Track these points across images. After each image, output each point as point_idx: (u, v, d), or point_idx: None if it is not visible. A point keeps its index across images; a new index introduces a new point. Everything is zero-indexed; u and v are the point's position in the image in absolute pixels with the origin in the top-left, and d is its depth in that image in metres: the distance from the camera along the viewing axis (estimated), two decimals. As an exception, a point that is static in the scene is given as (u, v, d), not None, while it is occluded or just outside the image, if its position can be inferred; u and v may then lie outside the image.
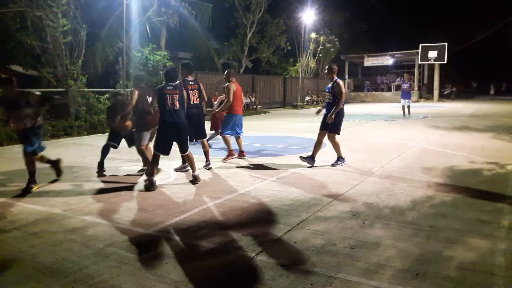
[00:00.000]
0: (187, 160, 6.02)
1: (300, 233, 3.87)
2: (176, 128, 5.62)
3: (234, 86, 7.41)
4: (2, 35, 13.64)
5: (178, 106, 5.61)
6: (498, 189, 5.34)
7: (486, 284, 2.86)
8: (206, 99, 7.11)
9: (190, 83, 6.52)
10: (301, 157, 7.12)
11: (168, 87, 5.62)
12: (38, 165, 5.90)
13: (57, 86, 13.19)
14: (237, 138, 7.77)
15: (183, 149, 5.80)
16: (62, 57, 13.20)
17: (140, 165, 6.93)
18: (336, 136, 6.98)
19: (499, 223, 4.07)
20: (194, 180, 5.87)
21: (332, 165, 6.99)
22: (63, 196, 5.29)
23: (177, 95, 5.62)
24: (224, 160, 7.59)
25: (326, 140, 7.07)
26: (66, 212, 4.60)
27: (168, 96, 5.56)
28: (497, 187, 5.47)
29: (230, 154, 7.68)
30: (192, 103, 6.47)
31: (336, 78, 6.90)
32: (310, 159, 7.02)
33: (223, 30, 25.90)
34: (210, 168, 6.82)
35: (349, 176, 6.17)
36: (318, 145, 7.07)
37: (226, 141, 7.63)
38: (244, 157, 7.81)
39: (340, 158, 7.09)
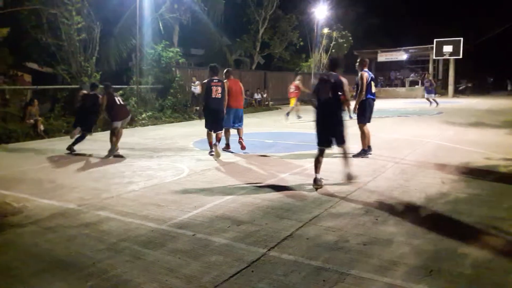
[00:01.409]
0: (222, 136, 7.95)
1: (312, 229, 3.86)
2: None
3: (227, 83, 8.05)
4: (18, 33, 13.85)
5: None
6: (515, 186, 5.24)
7: (501, 282, 2.82)
8: (227, 95, 7.92)
9: (214, 80, 7.75)
10: (354, 156, 7.02)
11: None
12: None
13: (72, 83, 13.35)
14: (226, 130, 8.34)
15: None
16: (76, 54, 13.35)
17: (150, 161, 6.99)
18: (350, 129, 6.72)
19: (515, 220, 3.99)
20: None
21: (354, 156, 6.98)
22: (78, 192, 5.36)
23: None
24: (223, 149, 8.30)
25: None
26: (80, 207, 4.67)
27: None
28: (514, 184, 5.37)
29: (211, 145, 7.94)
30: (213, 96, 7.63)
31: (361, 70, 7.26)
32: (363, 153, 7.32)
33: (235, 26, 25.87)
34: (212, 155, 7.72)
35: (362, 173, 6.12)
36: (362, 136, 7.39)
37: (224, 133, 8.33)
38: (229, 150, 8.33)
39: (363, 151, 7.28)
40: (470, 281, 2.83)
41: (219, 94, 7.70)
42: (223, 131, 8.02)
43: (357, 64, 7.53)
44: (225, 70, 8.49)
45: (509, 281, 2.83)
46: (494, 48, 37.78)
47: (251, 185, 5.53)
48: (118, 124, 7.91)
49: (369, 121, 7.48)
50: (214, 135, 7.82)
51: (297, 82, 15.46)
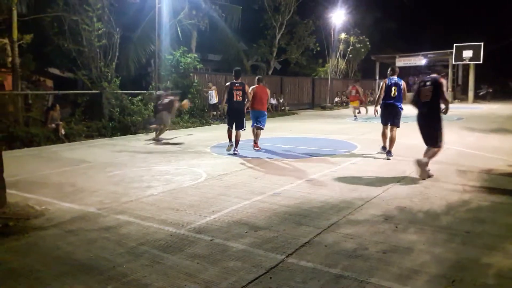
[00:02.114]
0: (237, 137, 8.68)
1: (331, 236, 3.82)
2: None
3: (254, 89, 9.01)
4: (40, 39, 14.18)
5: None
6: (540, 194, 5.11)
7: (527, 294, 2.75)
8: (249, 98, 8.80)
9: (236, 84, 8.59)
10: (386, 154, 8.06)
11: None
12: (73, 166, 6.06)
13: (92, 88, 13.59)
14: (253, 129, 9.20)
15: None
16: (96, 59, 13.60)
17: (168, 165, 7.05)
18: (369, 135, 7.05)
19: (541, 229, 3.89)
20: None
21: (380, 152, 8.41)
22: (98, 195, 5.44)
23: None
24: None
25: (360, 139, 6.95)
26: (100, 211, 4.73)
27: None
28: (538, 192, 5.23)
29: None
30: (234, 100, 8.53)
31: (387, 78, 8.14)
32: (382, 149, 8.37)
33: (252, 31, 25.98)
34: (235, 154, 8.52)
35: (381, 179, 6.05)
36: (381, 135, 8.44)
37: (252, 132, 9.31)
38: (258, 148, 9.12)
39: (382, 148, 8.41)
40: (494, 292, 2.77)
41: (240, 98, 8.58)
42: (240, 131, 8.72)
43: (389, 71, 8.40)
44: (257, 78, 9.52)
45: (535, 293, 2.75)
46: (515, 53, 37.00)
47: (268, 190, 5.52)
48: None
49: (384, 124, 8.21)
50: (234, 133, 8.74)
51: (357, 86, 17.60)
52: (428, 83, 6.35)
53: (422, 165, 6.05)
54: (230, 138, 8.86)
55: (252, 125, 9.16)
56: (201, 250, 3.55)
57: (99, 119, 13.19)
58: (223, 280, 3.00)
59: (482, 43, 28.93)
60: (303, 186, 5.76)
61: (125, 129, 13.21)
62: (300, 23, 26.96)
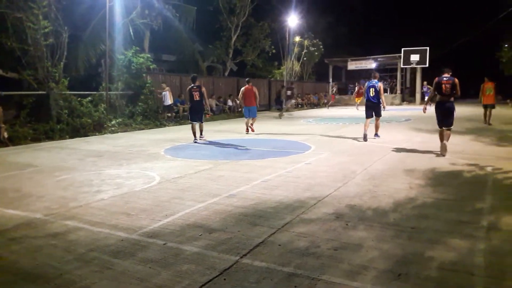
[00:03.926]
0: (200, 127, 11.25)
1: (284, 235, 3.88)
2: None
3: (243, 90, 12.76)
4: (-20, 37, 13.33)
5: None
6: (478, 190, 5.45)
7: (466, 284, 2.92)
8: (205, 96, 11.24)
9: (194, 87, 11.05)
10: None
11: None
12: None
13: (38, 89, 12.96)
14: (247, 120, 12.99)
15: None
16: (43, 59, 12.98)
17: (120, 169, 6.86)
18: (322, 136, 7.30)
19: (478, 223, 4.15)
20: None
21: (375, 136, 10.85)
22: (44, 201, 5.20)
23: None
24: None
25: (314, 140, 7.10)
26: (47, 217, 4.53)
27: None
28: (477, 188, 5.59)
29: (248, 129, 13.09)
30: (194, 99, 11.03)
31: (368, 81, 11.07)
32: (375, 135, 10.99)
33: (208, 33, 25.88)
34: (201, 138, 11.23)
35: (333, 178, 6.22)
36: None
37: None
38: (252, 132, 12.84)
39: (375, 134, 10.97)
40: (437, 284, 2.92)
41: (198, 97, 10.97)
42: (199, 123, 11.22)
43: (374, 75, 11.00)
44: (246, 80, 13.47)
45: (472, 283, 2.93)
46: (459, 58, 39.28)
47: (224, 192, 5.51)
48: None
49: (367, 117, 10.76)
50: (197, 126, 11.14)
51: (362, 86, 22.67)
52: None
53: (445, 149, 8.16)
54: (195, 135, 11.03)
55: (246, 117, 12.96)
56: (154, 255, 3.49)
57: (47, 121, 12.61)
58: (176, 284, 2.97)
59: (428, 48, 30.52)
60: (259, 187, 5.81)
61: (75, 131, 12.72)
62: (255, 26, 27.19)
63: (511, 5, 24.26)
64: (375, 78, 10.71)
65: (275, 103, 24.16)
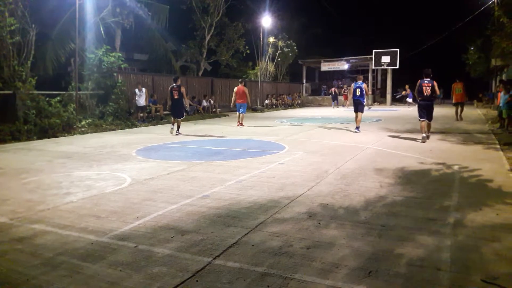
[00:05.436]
0: (177, 123, 12.77)
1: (258, 235, 3.89)
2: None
3: (235, 89, 15.14)
4: None
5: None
6: (445, 188, 5.62)
7: (433, 279, 3.00)
8: (186, 95, 13.21)
9: (174, 87, 12.61)
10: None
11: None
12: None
13: (4, 88, 12.49)
14: (239, 114, 15.27)
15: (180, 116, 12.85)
16: (9, 57, 12.51)
17: (90, 171, 6.71)
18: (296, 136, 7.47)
19: (445, 220, 4.28)
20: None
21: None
22: (10, 204, 5.02)
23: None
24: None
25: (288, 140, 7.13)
26: (12, 221, 4.37)
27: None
28: (444, 186, 5.76)
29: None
30: (174, 97, 12.58)
31: (354, 82, 13.30)
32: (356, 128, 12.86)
33: (181, 32, 25.64)
34: (177, 135, 12.48)
35: (306, 178, 6.28)
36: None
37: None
38: (242, 126, 15.01)
39: (357, 127, 12.79)
40: (405, 280, 2.99)
41: (177, 96, 12.53)
42: (181, 119, 12.87)
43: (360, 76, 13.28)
44: (239, 80, 16.25)
45: (439, 278, 3.02)
46: (427, 59, 40.44)
47: (197, 193, 5.47)
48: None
49: (355, 112, 12.99)
50: (174, 121, 12.74)
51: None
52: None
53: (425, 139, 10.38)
54: (173, 124, 12.82)
55: (238, 111, 15.23)
56: (124, 258, 3.43)
57: (13, 121, 12.15)
58: (147, 287, 2.92)
59: (398, 50, 31.25)
60: (233, 187, 5.80)
61: (42, 132, 12.33)
62: (229, 25, 27.13)
63: (478, 8, 25.16)
64: (359, 80, 12.93)
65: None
